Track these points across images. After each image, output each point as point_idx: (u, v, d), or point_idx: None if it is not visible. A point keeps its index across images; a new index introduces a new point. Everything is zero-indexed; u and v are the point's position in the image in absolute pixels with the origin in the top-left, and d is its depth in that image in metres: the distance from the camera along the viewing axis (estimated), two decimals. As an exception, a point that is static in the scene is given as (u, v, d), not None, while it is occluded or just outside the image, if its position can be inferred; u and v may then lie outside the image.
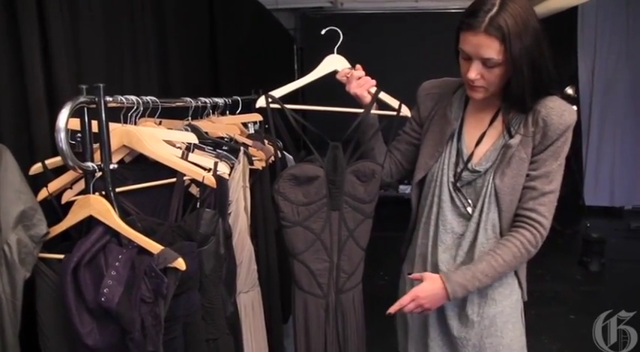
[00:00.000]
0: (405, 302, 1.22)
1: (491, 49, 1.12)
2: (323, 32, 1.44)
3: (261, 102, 1.35)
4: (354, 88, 1.38)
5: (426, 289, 1.22)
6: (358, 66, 1.40)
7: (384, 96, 1.42)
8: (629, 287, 3.57)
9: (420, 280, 1.25)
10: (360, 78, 1.38)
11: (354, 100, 1.41)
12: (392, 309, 1.24)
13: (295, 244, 1.36)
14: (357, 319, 1.46)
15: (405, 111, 1.43)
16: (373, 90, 1.39)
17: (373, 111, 1.40)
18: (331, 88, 1.45)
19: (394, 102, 1.43)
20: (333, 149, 1.34)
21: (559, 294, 3.54)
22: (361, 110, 1.38)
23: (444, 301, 1.24)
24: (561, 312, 3.27)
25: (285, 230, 1.35)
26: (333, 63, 1.41)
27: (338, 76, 1.41)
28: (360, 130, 1.40)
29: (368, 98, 1.38)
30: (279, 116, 1.36)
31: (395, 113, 1.42)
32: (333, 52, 1.42)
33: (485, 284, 1.23)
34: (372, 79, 1.39)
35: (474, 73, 1.17)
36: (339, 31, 1.41)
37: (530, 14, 1.13)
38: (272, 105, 1.35)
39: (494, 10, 1.10)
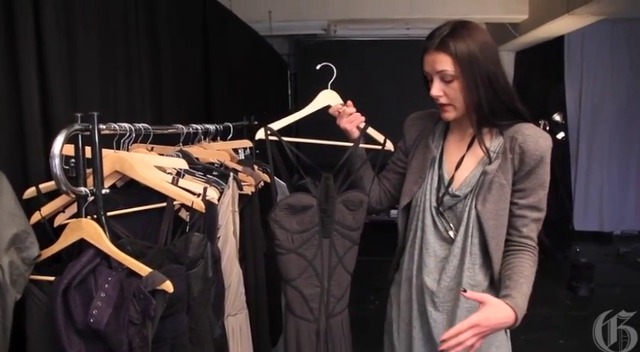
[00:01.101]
0: (462, 328, 1.09)
1: (444, 61, 1.22)
2: (318, 67, 1.52)
3: (260, 134, 1.43)
4: (344, 124, 1.46)
5: (490, 317, 1.13)
6: (349, 102, 1.48)
7: (371, 131, 1.50)
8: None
9: (478, 302, 1.16)
10: (350, 114, 1.46)
11: (343, 131, 1.49)
12: (446, 335, 1.10)
13: (289, 270, 1.41)
14: (345, 342, 1.51)
15: (389, 146, 1.51)
16: (362, 125, 1.47)
17: (361, 145, 1.48)
18: (323, 119, 1.53)
19: (380, 137, 1.52)
20: (325, 180, 1.41)
21: (548, 319, 3.55)
22: (350, 144, 1.47)
23: (503, 328, 1.20)
24: (550, 337, 3.28)
25: (280, 257, 1.40)
26: (327, 98, 1.50)
27: (330, 111, 1.49)
28: (349, 162, 1.48)
29: (356, 133, 1.47)
30: (275, 146, 1.43)
31: (380, 147, 1.50)
32: (325, 79, 1.49)
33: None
34: (362, 114, 1.47)
35: (435, 89, 1.26)
36: (332, 66, 1.49)
37: (481, 34, 1.23)
38: (270, 138, 1.42)
39: (446, 31, 1.22)
